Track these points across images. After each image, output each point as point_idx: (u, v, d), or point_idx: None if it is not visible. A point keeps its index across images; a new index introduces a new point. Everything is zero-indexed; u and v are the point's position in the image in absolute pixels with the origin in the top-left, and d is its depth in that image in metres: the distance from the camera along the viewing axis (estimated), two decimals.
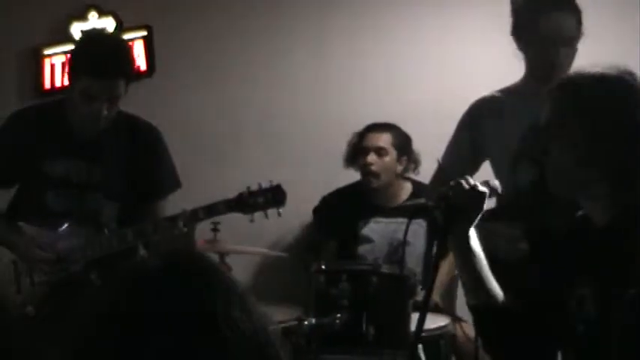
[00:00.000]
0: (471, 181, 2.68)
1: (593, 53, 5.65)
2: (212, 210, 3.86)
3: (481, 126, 3.84)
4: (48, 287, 3.94)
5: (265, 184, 3.87)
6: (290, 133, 5.85)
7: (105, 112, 3.86)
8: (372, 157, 5.22)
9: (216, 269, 1.45)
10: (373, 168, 5.21)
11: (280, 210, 3.89)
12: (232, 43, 5.93)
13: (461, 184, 2.67)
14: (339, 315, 4.18)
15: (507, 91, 3.84)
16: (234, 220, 4.54)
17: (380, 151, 5.23)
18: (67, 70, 4.08)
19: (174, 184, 4.14)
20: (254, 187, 3.86)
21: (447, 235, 2.70)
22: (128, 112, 4.09)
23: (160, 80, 5.89)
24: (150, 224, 3.87)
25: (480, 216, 2.69)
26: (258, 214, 3.89)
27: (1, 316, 3.71)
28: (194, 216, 3.83)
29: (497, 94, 3.86)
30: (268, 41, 5.93)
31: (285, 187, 3.88)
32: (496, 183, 2.76)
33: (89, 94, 3.83)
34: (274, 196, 3.87)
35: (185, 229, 3.81)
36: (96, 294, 1.46)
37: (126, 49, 4.13)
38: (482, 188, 2.69)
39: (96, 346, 1.35)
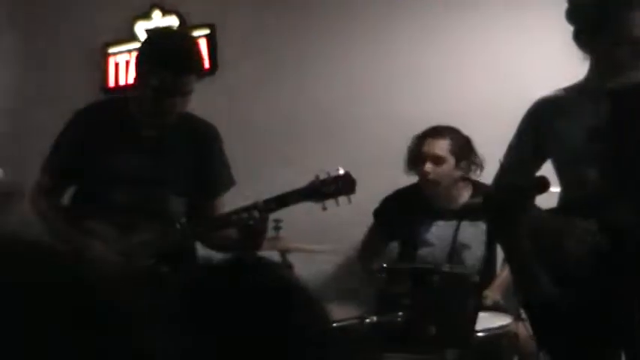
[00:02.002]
0: (521, 182, 2.67)
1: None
2: (284, 200, 3.88)
3: (544, 125, 3.81)
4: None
5: (334, 172, 3.89)
6: (351, 133, 5.84)
7: (177, 108, 3.91)
8: (429, 167, 5.17)
9: (281, 272, 1.46)
10: (430, 177, 5.17)
11: (351, 197, 3.90)
12: (294, 40, 5.94)
13: (506, 186, 2.67)
14: (400, 314, 4.17)
15: (571, 90, 3.81)
16: (295, 218, 4.57)
17: (437, 160, 5.18)
18: (135, 66, 4.11)
19: (230, 182, 4.17)
20: (323, 176, 3.88)
21: (495, 235, 2.69)
22: (189, 112, 4.12)
23: (222, 78, 5.92)
24: (222, 216, 3.90)
25: (524, 214, 2.67)
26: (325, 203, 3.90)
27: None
28: (267, 206, 3.85)
29: (560, 93, 3.83)
30: (330, 40, 5.93)
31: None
32: (546, 180, 2.73)
33: (163, 89, 3.87)
34: (345, 184, 3.87)
35: (259, 220, 3.83)
36: (165, 291, 1.47)
37: (197, 45, 4.19)
38: (532, 188, 2.67)
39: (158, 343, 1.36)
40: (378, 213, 5.51)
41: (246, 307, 1.37)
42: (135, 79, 4.05)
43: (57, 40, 5.94)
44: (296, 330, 1.37)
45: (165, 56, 3.89)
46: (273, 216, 4.47)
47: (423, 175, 5.19)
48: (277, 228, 4.74)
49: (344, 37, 5.94)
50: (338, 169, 3.90)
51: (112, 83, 5.98)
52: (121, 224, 4.04)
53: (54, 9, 5.97)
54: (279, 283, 1.42)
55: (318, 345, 1.38)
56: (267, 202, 3.86)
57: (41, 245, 0.91)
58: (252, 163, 5.41)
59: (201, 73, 4.03)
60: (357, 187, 3.96)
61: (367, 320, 4.21)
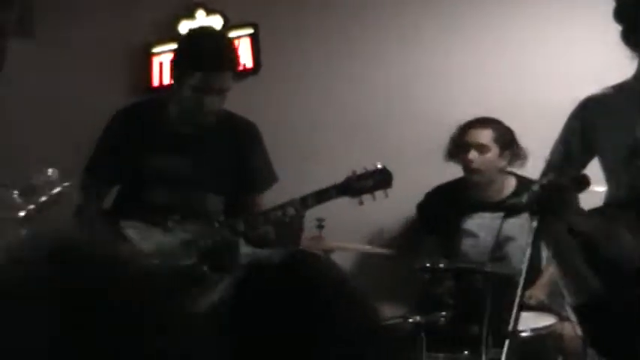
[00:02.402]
0: (562, 180, 2.65)
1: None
2: (321, 195, 3.88)
3: (592, 123, 3.78)
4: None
5: (370, 167, 3.89)
6: (390, 130, 5.83)
7: (215, 106, 3.93)
8: (473, 154, 5.16)
9: (332, 268, 1.45)
10: (474, 165, 5.16)
11: (387, 191, 3.90)
12: (335, 40, 5.94)
13: (552, 183, 2.64)
14: (443, 313, 4.16)
15: (619, 88, 3.78)
16: (338, 217, 4.57)
17: (481, 148, 5.17)
18: (172, 67, 4.14)
19: (273, 178, 4.18)
20: (360, 171, 3.88)
21: (540, 234, 2.67)
22: (226, 109, 4.14)
23: (265, 77, 5.93)
24: (260, 213, 3.91)
25: (570, 214, 2.65)
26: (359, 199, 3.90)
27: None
28: (304, 202, 3.86)
29: (607, 92, 3.80)
30: (369, 38, 5.92)
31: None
32: (587, 178, 2.71)
33: (202, 88, 3.90)
34: (381, 178, 3.87)
35: (296, 217, 3.84)
36: (210, 290, 1.47)
37: (231, 43, 4.22)
38: (572, 186, 2.65)
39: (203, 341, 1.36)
40: (420, 207, 5.49)
41: (299, 304, 1.37)
42: (172, 79, 4.08)
43: (101, 41, 5.97)
44: (347, 326, 1.36)
45: (201, 56, 3.92)
46: (316, 215, 4.48)
47: (467, 163, 5.17)
48: (320, 227, 4.74)
49: (380, 35, 5.92)
50: (374, 164, 3.90)
51: (156, 83, 6.00)
52: (161, 224, 4.06)
53: (99, 9, 6.01)
54: (332, 279, 1.42)
55: (368, 342, 1.37)
56: (303, 198, 3.86)
57: (80, 247, 0.91)
58: (294, 161, 5.41)
59: (237, 71, 4.05)
60: (398, 185, 3.95)
61: (410, 320, 4.20)
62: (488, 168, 5.17)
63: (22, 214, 3.63)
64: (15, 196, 3.60)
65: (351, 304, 1.39)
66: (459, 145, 5.24)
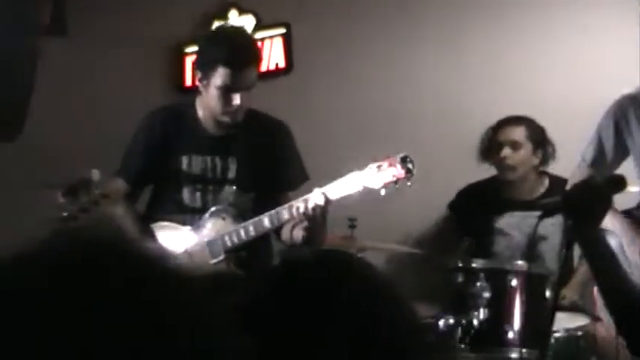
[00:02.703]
0: (597, 180, 2.64)
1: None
2: (343, 186, 3.87)
3: (625, 122, 3.76)
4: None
5: (391, 157, 3.87)
6: (422, 129, 5.82)
7: (244, 103, 3.94)
8: (506, 151, 5.16)
9: (367, 267, 1.44)
10: (509, 162, 5.15)
11: (409, 183, 3.87)
12: (368, 40, 5.94)
13: (586, 183, 2.63)
14: (476, 313, 4.15)
15: None
16: (370, 216, 4.57)
17: (514, 145, 5.16)
18: (196, 68, 4.14)
19: (304, 176, 4.19)
20: (381, 161, 3.87)
21: (575, 236, 2.66)
22: (255, 109, 4.15)
23: (298, 77, 5.93)
24: (284, 208, 3.91)
25: (604, 213, 2.64)
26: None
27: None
28: (326, 194, 3.85)
29: None
30: (403, 39, 5.92)
31: (417, 184, 3.86)
32: (623, 179, 2.70)
33: (228, 86, 3.91)
34: (403, 167, 3.85)
35: (318, 209, 3.83)
36: (242, 288, 1.47)
37: (252, 38, 4.25)
38: (608, 187, 2.64)
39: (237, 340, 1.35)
40: (453, 206, 5.49)
41: (334, 303, 1.36)
42: (198, 80, 4.09)
43: (134, 40, 5.99)
44: (386, 325, 1.36)
45: (228, 53, 3.93)
46: (348, 214, 4.48)
47: (501, 161, 5.16)
48: (352, 227, 4.73)
49: (416, 36, 5.91)
50: (396, 154, 3.88)
51: (189, 82, 6.01)
52: (192, 224, 4.08)
53: (132, 8, 6.03)
54: (368, 278, 1.41)
55: (408, 341, 1.37)
56: (324, 190, 3.86)
57: (112, 246, 0.91)
58: (326, 160, 5.41)
59: (260, 65, 4.06)
60: (429, 185, 3.94)
61: (442, 320, 4.19)
62: (521, 165, 5.16)
63: (65, 214, 3.66)
64: (59, 196, 3.63)
65: (390, 303, 1.38)
66: (492, 144, 5.24)
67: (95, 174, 3.64)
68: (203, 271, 3.98)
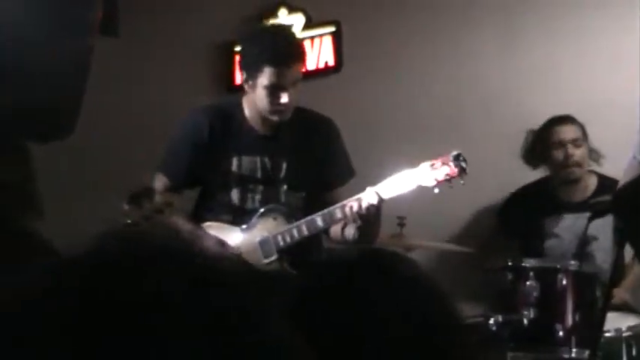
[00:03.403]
0: None
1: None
2: (396, 185, 3.87)
3: None
4: None
5: (445, 155, 3.87)
6: (474, 129, 5.80)
7: (291, 101, 3.95)
8: (571, 149, 5.12)
9: (412, 266, 1.44)
10: (576, 158, 5.11)
11: (462, 182, 3.87)
12: (418, 38, 5.92)
13: (638, 183, 2.61)
14: (526, 312, 4.13)
15: None
16: (419, 214, 4.56)
17: (576, 142, 5.13)
18: (242, 68, 4.15)
19: (351, 172, 4.19)
20: (435, 160, 3.87)
21: (627, 235, 2.64)
22: (303, 107, 4.15)
23: (347, 75, 5.93)
24: (337, 207, 3.91)
25: None
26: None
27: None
28: (379, 193, 3.85)
29: None
30: (456, 36, 5.90)
31: (469, 183, 3.86)
32: None
33: (274, 85, 3.92)
34: (456, 166, 3.84)
35: (372, 209, 3.83)
36: (289, 286, 1.47)
37: (294, 34, 4.26)
38: None
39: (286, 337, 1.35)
40: (505, 207, 5.46)
41: (383, 302, 1.36)
42: (243, 81, 4.10)
43: (184, 39, 6.02)
44: (429, 325, 1.36)
45: (274, 51, 3.94)
46: (397, 213, 4.48)
47: (567, 158, 5.11)
48: (401, 225, 4.73)
49: (470, 34, 5.89)
50: (450, 152, 3.88)
51: (238, 81, 6.03)
52: (241, 224, 4.09)
53: (181, 7, 6.06)
54: (414, 278, 1.41)
55: (451, 341, 1.37)
56: (378, 189, 3.86)
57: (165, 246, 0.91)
58: (376, 157, 5.41)
59: (305, 61, 4.07)
60: (480, 183, 3.93)
61: (492, 319, 4.17)
62: (584, 161, 5.13)
63: (128, 221, 3.68)
64: (123, 203, 3.65)
65: (435, 303, 1.38)
66: (546, 144, 5.19)
67: (159, 180, 3.65)
68: (255, 271, 4.00)
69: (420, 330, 1.35)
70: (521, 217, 5.29)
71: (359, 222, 3.84)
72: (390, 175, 3.90)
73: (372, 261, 1.44)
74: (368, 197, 3.83)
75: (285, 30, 4.70)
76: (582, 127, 5.17)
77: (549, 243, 5.15)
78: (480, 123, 5.81)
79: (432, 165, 3.83)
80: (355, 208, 3.83)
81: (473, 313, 4.35)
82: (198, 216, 4.18)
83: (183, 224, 4.04)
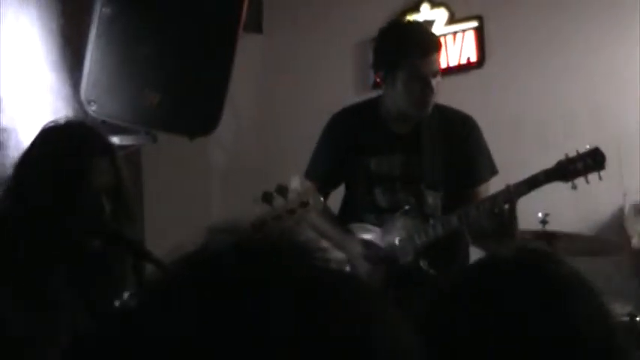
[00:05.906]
0: None
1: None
2: (532, 182, 3.84)
3: None
4: (384, 282, 4.01)
5: (582, 150, 3.82)
6: (614, 121, 5.69)
7: (431, 95, 3.94)
8: None
9: (560, 264, 1.42)
10: None
11: (601, 173, 3.82)
12: (563, 34, 5.85)
13: None
14: None
15: None
16: (562, 210, 4.50)
17: None
18: (377, 68, 4.16)
19: (492, 170, 4.15)
20: (572, 154, 3.82)
21: None
22: (442, 104, 4.14)
23: (490, 70, 5.89)
24: (472, 206, 3.89)
25: None
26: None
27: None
28: (517, 190, 3.82)
29: None
30: (600, 32, 5.80)
31: (609, 175, 3.81)
32: None
33: (418, 76, 3.92)
34: (593, 160, 3.79)
35: (506, 206, 3.81)
36: (434, 284, 1.47)
37: (426, 26, 4.27)
38: None
39: (434, 332, 1.36)
40: None
41: (531, 302, 1.35)
42: (381, 79, 4.11)
43: (327, 37, 6.08)
44: (579, 325, 1.34)
45: (417, 42, 3.95)
46: (540, 210, 4.42)
47: None
48: (544, 222, 4.67)
49: (608, 28, 5.79)
50: (588, 146, 3.83)
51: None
52: (382, 223, 4.11)
53: (324, 5, 6.12)
54: (563, 276, 1.39)
55: (602, 341, 1.35)
56: (517, 185, 3.82)
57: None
58: (520, 154, 5.36)
59: (441, 50, 4.06)
60: (624, 177, 3.87)
61: (638, 318, 4.10)
62: None
63: (256, 222, 3.72)
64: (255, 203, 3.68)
65: (584, 301, 1.36)
66: None
67: (295, 180, 3.69)
68: (394, 271, 4.01)
69: (570, 329, 1.33)
70: None
71: (496, 220, 3.81)
72: (531, 172, 3.87)
73: (524, 261, 1.42)
74: (502, 195, 3.80)
75: (421, 24, 4.74)
76: None
77: None
78: (625, 113, 5.70)
79: (569, 161, 3.79)
80: (491, 205, 3.81)
81: (619, 311, 4.27)
82: (347, 216, 4.22)
83: (322, 225, 4.08)
